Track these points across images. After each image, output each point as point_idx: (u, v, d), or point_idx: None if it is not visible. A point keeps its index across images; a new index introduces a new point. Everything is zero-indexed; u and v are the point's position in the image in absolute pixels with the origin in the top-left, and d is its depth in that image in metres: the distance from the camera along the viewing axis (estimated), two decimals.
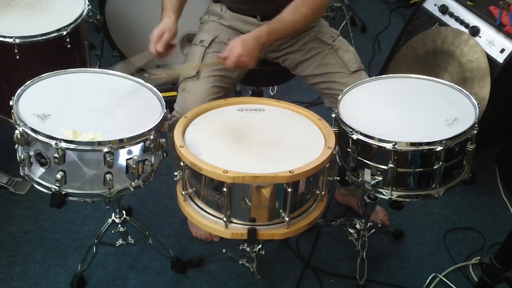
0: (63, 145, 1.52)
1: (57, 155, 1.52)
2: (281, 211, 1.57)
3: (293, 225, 1.60)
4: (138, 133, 1.58)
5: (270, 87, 2.76)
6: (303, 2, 1.86)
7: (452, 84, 1.86)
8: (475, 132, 1.67)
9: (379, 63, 3.11)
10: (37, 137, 1.54)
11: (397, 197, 1.71)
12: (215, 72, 1.95)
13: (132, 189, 1.66)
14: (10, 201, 2.33)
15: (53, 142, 1.52)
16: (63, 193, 1.61)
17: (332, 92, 2.01)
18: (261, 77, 2.21)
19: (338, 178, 1.75)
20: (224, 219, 1.56)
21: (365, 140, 1.64)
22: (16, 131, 1.58)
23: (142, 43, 2.91)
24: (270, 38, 1.85)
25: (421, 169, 1.67)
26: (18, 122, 1.58)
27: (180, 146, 1.56)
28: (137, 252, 2.15)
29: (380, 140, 1.62)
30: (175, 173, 1.65)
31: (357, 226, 2.07)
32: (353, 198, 2.31)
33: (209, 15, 2.12)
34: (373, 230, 2.11)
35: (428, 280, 2.11)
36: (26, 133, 1.57)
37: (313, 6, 1.87)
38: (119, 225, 1.94)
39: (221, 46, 2.00)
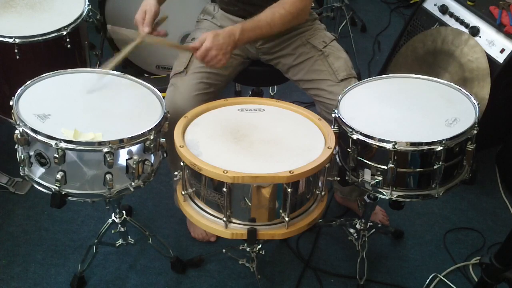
0: (63, 145, 1.52)
1: (57, 155, 1.52)
2: (281, 211, 1.57)
3: (293, 225, 1.60)
4: (138, 133, 1.58)
5: (270, 87, 2.76)
6: (281, 5, 1.84)
7: (452, 84, 1.86)
8: (475, 132, 1.67)
9: (379, 63, 3.11)
10: (37, 137, 1.54)
11: (397, 197, 1.71)
12: (204, 69, 1.93)
13: (132, 189, 1.66)
14: (10, 201, 2.33)
15: (53, 142, 1.52)
16: (63, 193, 1.60)
17: (320, 100, 1.99)
18: (261, 77, 2.21)
19: (338, 178, 1.75)
20: (224, 219, 1.56)
21: (365, 140, 1.64)
22: (16, 131, 1.58)
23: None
24: (244, 36, 1.81)
25: (421, 169, 1.66)
26: (18, 122, 1.58)
27: (180, 146, 1.56)
28: (137, 252, 2.15)
29: (380, 140, 1.62)
30: (175, 173, 1.66)
31: (357, 226, 2.07)
32: (350, 202, 2.31)
33: (203, 14, 2.13)
34: (373, 230, 2.10)
35: (428, 280, 2.11)
36: (26, 133, 1.57)
37: (292, 9, 1.84)
38: (119, 225, 1.94)
39: None
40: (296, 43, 2.03)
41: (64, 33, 2.09)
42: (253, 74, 2.16)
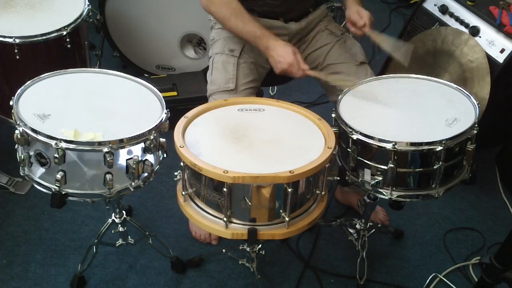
0: (63, 145, 1.52)
1: (57, 155, 1.52)
2: (281, 211, 1.57)
3: (293, 225, 1.60)
4: (138, 133, 1.58)
5: (270, 87, 2.76)
6: None
7: (452, 84, 1.86)
8: (475, 132, 1.67)
9: (379, 63, 3.10)
10: (37, 137, 1.54)
11: (397, 197, 1.71)
12: (252, 84, 2.02)
13: (132, 189, 1.66)
14: (10, 201, 2.33)
15: (53, 142, 1.52)
16: (63, 193, 1.61)
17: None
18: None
19: (338, 178, 1.75)
20: (224, 219, 1.56)
21: (365, 140, 1.64)
22: (16, 131, 1.58)
23: (142, 43, 2.94)
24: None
25: (421, 169, 1.67)
26: (18, 122, 1.58)
27: (180, 146, 1.56)
28: (137, 252, 2.15)
29: (380, 140, 1.62)
30: (175, 173, 1.66)
31: (357, 226, 2.07)
32: (354, 197, 2.31)
33: None
34: (373, 230, 2.10)
35: (428, 280, 2.11)
36: (26, 133, 1.57)
37: None
38: (119, 225, 1.94)
39: (249, 55, 2.04)
40: (315, 30, 2.12)
41: (64, 33, 2.09)
42: None
